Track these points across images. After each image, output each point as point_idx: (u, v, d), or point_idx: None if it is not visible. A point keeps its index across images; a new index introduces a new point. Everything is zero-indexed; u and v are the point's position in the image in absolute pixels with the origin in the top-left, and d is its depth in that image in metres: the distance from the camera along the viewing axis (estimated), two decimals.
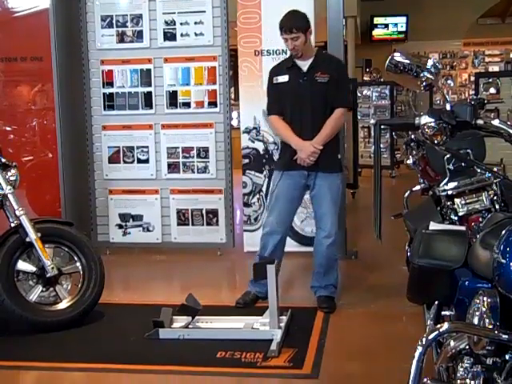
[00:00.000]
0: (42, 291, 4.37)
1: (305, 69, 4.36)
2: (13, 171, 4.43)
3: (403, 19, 15.92)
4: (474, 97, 6.19)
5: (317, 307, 4.48)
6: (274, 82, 4.43)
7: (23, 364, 3.83)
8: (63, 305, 4.37)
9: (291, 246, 5.86)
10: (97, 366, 3.76)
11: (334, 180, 4.39)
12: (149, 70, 6.16)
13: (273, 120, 4.52)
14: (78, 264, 4.48)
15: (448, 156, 3.91)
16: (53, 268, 4.33)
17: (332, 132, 4.34)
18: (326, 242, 4.39)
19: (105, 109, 6.27)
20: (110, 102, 6.25)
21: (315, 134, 4.33)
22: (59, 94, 6.14)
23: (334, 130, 4.35)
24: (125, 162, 6.29)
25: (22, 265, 4.35)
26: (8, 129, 6.39)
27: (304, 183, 4.41)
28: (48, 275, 4.33)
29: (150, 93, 6.18)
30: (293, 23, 4.26)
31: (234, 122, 8.19)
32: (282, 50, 5.79)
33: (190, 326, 4.16)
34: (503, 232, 1.87)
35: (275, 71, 4.50)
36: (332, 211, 4.36)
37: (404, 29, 16.00)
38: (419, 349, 1.77)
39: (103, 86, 6.25)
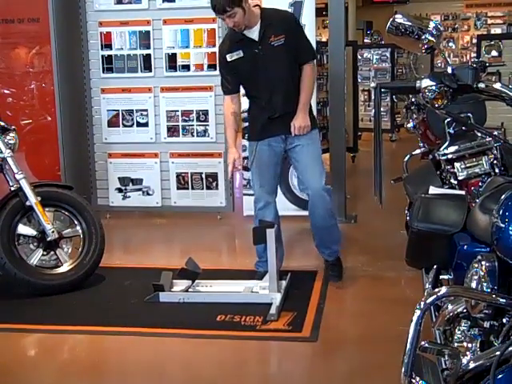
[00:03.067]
0: (42, 255, 4.39)
1: (256, 37, 4.03)
2: (12, 135, 4.42)
3: None
4: (476, 60, 6.15)
5: (315, 271, 4.50)
6: (229, 59, 4.10)
7: (25, 327, 3.86)
8: (64, 268, 4.40)
9: (290, 209, 5.89)
10: (98, 329, 3.80)
11: (313, 137, 4.21)
12: (147, 32, 6.10)
13: (225, 104, 4.29)
14: (78, 228, 4.50)
15: (448, 120, 3.89)
16: (53, 232, 4.34)
17: (310, 94, 4.17)
18: (320, 203, 4.20)
19: (103, 71, 6.22)
20: (108, 64, 6.20)
21: (290, 102, 4.10)
22: (57, 56, 6.09)
23: (310, 90, 4.18)
24: (124, 125, 6.27)
25: (23, 228, 4.36)
26: (6, 92, 6.35)
27: (283, 147, 4.22)
28: (48, 239, 4.35)
29: (148, 55, 6.13)
30: (223, 2, 3.88)
31: None
32: None
33: (189, 290, 4.19)
34: (503, 196, 1.87)
35: (226, 48, 4.13)
36: (319, 168, 4.18)
37: None
38: (417, 312, 1.78)
39: (101, 49, 6.19)
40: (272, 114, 4.15)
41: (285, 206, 5.93)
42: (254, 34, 4.03)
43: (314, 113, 4.53)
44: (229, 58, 4.09)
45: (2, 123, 4.44)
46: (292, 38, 4.04)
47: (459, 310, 2.05)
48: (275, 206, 4.35)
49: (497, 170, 3.77)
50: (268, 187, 4.29)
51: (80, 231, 4.50)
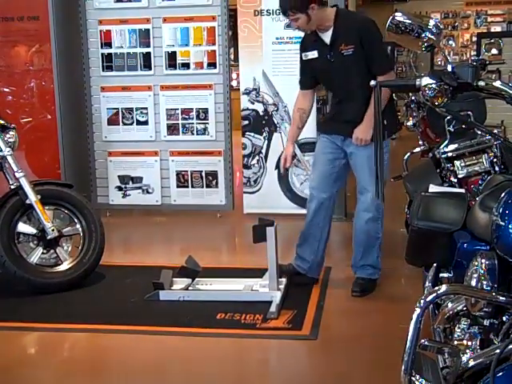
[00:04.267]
0: (42, 253, 4.39)
1: (328, 41, 3.95)
2: (11, 133, 4.42)
3: None
4: (476, 58, 6.15)
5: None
6: (304, 58, 4.06)
7: (25, 325, 3.86)
8: (64, 266, 4.39)
9: (290, 207, 5.90)
10: (97, 327, 3.80)
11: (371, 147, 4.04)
12: (147, 30, 6.10)
13: (297, 97, 4.21)
14: (78, 226, 4.50)
15: (448, 118, 3.90)
16: (53, 230, 4.34)
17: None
18: (364, 216, 4.09)
19: (103, 70, 6.22)
20: (108, 62, 6.20)
21: (358, 112, 3.96)
22: (57, 54, 6.10)
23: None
24: (124, 123, 6.27)
25: (23, 227, 4.36)
26: (6, 90, 6.35)
27: (340, 147, 4.10)
28: (48, 237, 4.34)
29: (148, 53, 6.12)
30: (286, 4, 3.85)
31: (234, 83, 8.14)
32: None
33: (189, 288, 4.19)
34: (502, 194, 1.87)
35: (304, 46, 4.08)
36: (372, 181, 4.05)
37: None
38: (417, 310, 1.78)
39: (101, 47, 6.19)
40: (340, 116, 4.08)
41: (285, 204, 5.95)
42: (327, 37, 3.94)
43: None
44: (304, 56, 4.06)
45: (2, 121, 4.44)
46: (362, 49, 3.88)
47: (459, 308, 2.06)
48: (323, 205, 4.14)
49: (497, 168, 3.77)
50: (314, 183, 4.19)
51: (80, 229, 4.49)
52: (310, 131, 5.37)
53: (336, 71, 3.98)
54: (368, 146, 3.91)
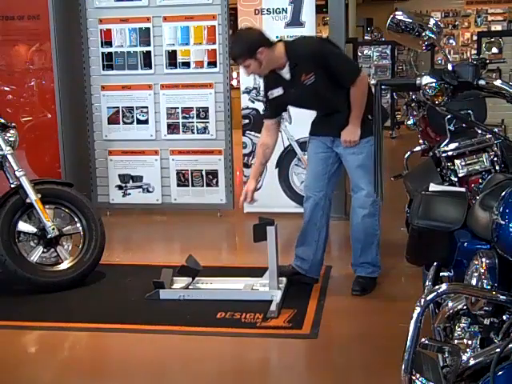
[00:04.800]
0: (43, 252, 4.39)
1: (288, 77, 3.95)
2: (12, 132, 4.42)
3: None
4: (476, 57, 6.15)
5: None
6: (271, 97, 4.07)
7: (25, 324, 3.87)
8: (64, 265, 4.40)
9: (290, 206, 5.90)
10: (98, 326, 3.80)
11: (363, 147, 4.00)
12: (147, 29, 6.10)
13: (262, 132, 4.23)
14: (78, 225, 4.50)
15: (449, 117, 3.90)
16: (53, 229, 4.34)
17: (359, 110, 3.96)
18: (360, 213, 4.11)
19: (103, 69, 6.22)
20: (108, 61, 6.20)
21: (343, 118, 4.00)
22: (57, 53, 6.09)
23: (359, 107, 3.95)
24: (124, 122, 6.27)
25: (23, 226, 4.36)
26: (6, 89, 6.36)
27: (330, 147, 4.14)
28: (49, 236, 4.35)
29: (149, 52, 6.12)
30: (234, 53, 3.91)
31: (234, 82, 8.14)
32: (283, 9, 5.73)
33: (190, 287, 4.19)
34: (503, 193, 1.87)
35: (267, 85, 4.09)
36: (366, 180, 4.03)
37: None
38: (417, 309, 1.78)
39: (101, 46, 6.19)
40: (327, 122, 4.12)
41: (285, 203, 5.95)
42: (286, 73, 3.95)
43: None
44: (270, 95, 4.06)
45: (3, 120, 4.44)
46: (323, 72, 3.88)
47: (459, 307, 2.05)
48: (318, 205, 4.16)
49: (497, 167, 3.77)
50: (308, 182, 4.23)
51: (80, 228, 4.50)
52: None
53: (307, 99, 4.04)
54: (357, 145, 4.00)
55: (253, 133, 6.04)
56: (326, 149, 4.15)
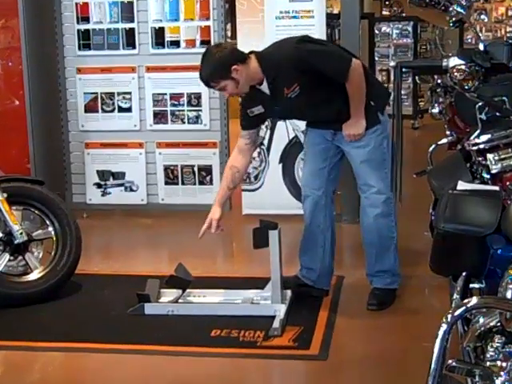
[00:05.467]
0: (9, 260, 4.38)
1: (268, 92, 3.96)
2: None
3: None
4: None
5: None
6: (251, 114, 4.06)
7: None
8: (34, 275, 4.39)
9: (296, 207, 5.88)
10: (73, 345, 3.80)
11: (370, 139, 4.03)
12: (131, 3, 6.11)
13: (235, 147, 4.22)
14: (50, 229, 4.50)
15: (480, 104, 3.89)
16: (21, 233, 4.34)
17: (360, 101, 3.95)
18: (371, 213, 4.11)
19: (80, 48, 6.23)
20: (85, 40, 6.21)
21: (341, 114, 4.00)
22: (26, 30, 6.09)
23: (359, 99, 3.95)
24: (103, 110, 6.28)
25: None
26: None
27: (331, 141, 4.15)
28: (16, 242, 4.34)
29: (132, 30, 6.13)
30: (206, 75, 3.88)
31: None
32: None
33: (180, 301, 4.19)
34: None
35: (246, 103, 4.10)
36: (375, 176, 4.06)
37: None
38: (443, 326, 1.79)
39: (77, 22, 6.20)
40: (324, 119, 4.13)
41: (290, 203, 5.95)
42: (265, 88, 3.96)
43: None
44: (250, 113, 4.06)
45: None
46: (308, 80, 3.88)
47: (492, 324, 2.06)
48: (318, 204, 4.18)
49: None
50: (308, 176, 4.24)
51: (52, 233, 4.49)
52: None
53: (296, 113, 4.11)
54: (362, 138, 4.02)
55: None
56: (326, 141, 4.18)
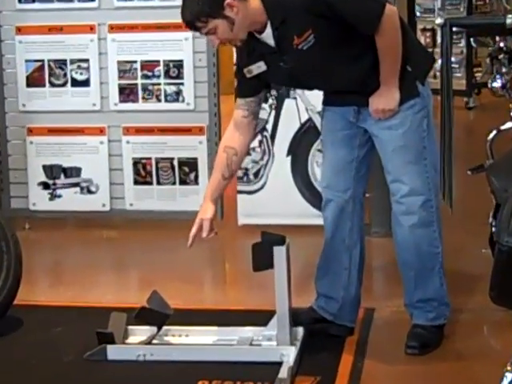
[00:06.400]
0: None
1: (273, 43, 3.95)
2: None
3: None
4: None
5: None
6: (249, 75, 4.07)
7: None
8: None
9: (310, 215, 5.89)
10: None
11: (405, 117, 4.02)
12: None
13: (231, 121, 4.23)
14: None
15: None
16: None
17: (393, 64, 3.93)
18: (407, 222, 4.09)
19: (20, 1, 6.24)
20: None
21: (365, 84, 4.00)
22: None
23: (392, 60, 3.92)
24: (52, 84, 6.29)
25: None
26: None
27: (355, 123, 4.14)
28: None
29: None
30: (189, 15, 3.83)
31: None
32: None
33: (154, 341, 4.20)
34: None
35: (243, 60, 4.12)
36: (410, 170, 4.04)
37: None
38: (508, 376, 1.79)
39: None
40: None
41: (302, 210, 5.95)
42: (268, 38, 3.95)
43: None
44: (248, 73, 4.06)
45: None
46: (326, 26, 3.85)
47: None
48: (345, 210, 4.19)
49: None
50: (329, 174, 4.25)
51: None
52: None
53: (304, 73, 4.00)
54: (395, 115, 3.99)
55: None
56: (350, 125, 4.15)
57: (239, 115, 4.14)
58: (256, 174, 6.10)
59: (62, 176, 6.33)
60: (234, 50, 4.22)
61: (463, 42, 10.60)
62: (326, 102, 4.26)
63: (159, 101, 6.18)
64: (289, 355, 3.95)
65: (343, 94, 4.11)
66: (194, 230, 4.17)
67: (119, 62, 6.20)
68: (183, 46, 6.07)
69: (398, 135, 4.01)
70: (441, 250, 4.17)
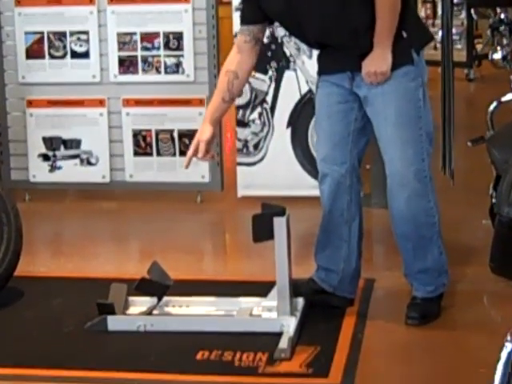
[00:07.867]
0: None
1: None
2: None
3: None
4: None
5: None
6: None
7: None
8: None
9: (310, 187, 5.89)
10: (12, 372, 3.80)
11: (398, 83, 3.99)
12: None
13: (234, 45, 4.23)
14: None
15: None
16: None
17: (389, 21, 3.89)
18: (401, 194, 4.09)
19: None
20: None
21: (362, 38, 3.96)
22: None
23: (391, 19, 3.89)
24: (52, 56, 6.28)
25: None
26: None
27: (350, 89, 4.10)
28: None
29: None
30: None
31: None
32: None
33: (154, 312, 4.21)
34: None
35: None
36: (402, 138, 4.02)
37: None
38: (508, 346, 1.79)
39: None
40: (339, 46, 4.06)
41: (302, 182, 5.95)
42: None
43: None
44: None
45: None
46: None
47: None
48: (341, 184, 4.18)
49: None
50: (325, 147, 4.22)
51: None
52: None
53: (302, 3, 3.92)
54: (387, 80, 3.95)
55: (253, 72, 6.03)
56: (346, 95, 4.13)
57: (241, 40, 4.14)
58: (256, 146, 6.09)
59: (62, 148, 6.33)
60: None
61: (464, 14, 10.55)
62: (321, 71, 4.23)
63: (159, 73, 6.17)
64: (289, 326, 3.96)
65: (336, 54, 4.07)
66: (190, 152, 4.22)
67: (119, 34, 6.19)
68: (183, 17, 6.06)
69: (390, 100, 3.98)
70: (437, 219, 4.16)
